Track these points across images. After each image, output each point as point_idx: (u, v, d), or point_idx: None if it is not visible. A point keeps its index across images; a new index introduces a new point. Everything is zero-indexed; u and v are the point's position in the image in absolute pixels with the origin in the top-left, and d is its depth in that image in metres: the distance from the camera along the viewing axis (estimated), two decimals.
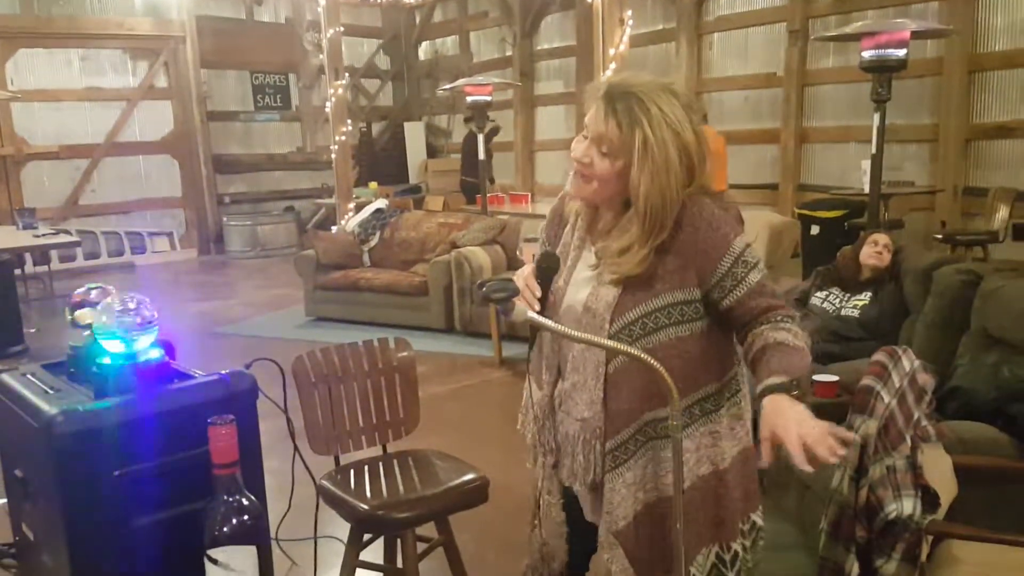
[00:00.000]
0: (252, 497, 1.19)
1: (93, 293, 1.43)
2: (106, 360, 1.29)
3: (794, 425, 1.39)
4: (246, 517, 1.17)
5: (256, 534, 1.18)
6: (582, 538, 1.84)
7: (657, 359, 1.43)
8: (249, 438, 1.29)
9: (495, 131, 10.49)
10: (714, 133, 5.93)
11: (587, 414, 1.68)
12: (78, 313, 1.44)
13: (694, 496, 1.68)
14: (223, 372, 1.31)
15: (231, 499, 1.17)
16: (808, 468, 1.36)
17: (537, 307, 1.60)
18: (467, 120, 10.57)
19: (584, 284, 1.69)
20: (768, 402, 1.47)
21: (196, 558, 1.17)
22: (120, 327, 1.27)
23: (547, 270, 1.63)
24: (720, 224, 1.62)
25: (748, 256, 1.62)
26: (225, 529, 1.16)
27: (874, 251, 3.86)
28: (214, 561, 1.16)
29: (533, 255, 1.78)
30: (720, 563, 1.74)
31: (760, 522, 1.79)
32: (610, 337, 1.60)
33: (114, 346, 1.28)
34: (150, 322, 1.30)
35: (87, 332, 1.35)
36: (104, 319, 1.27)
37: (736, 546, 1.74)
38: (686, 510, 1.60)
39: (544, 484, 1.85)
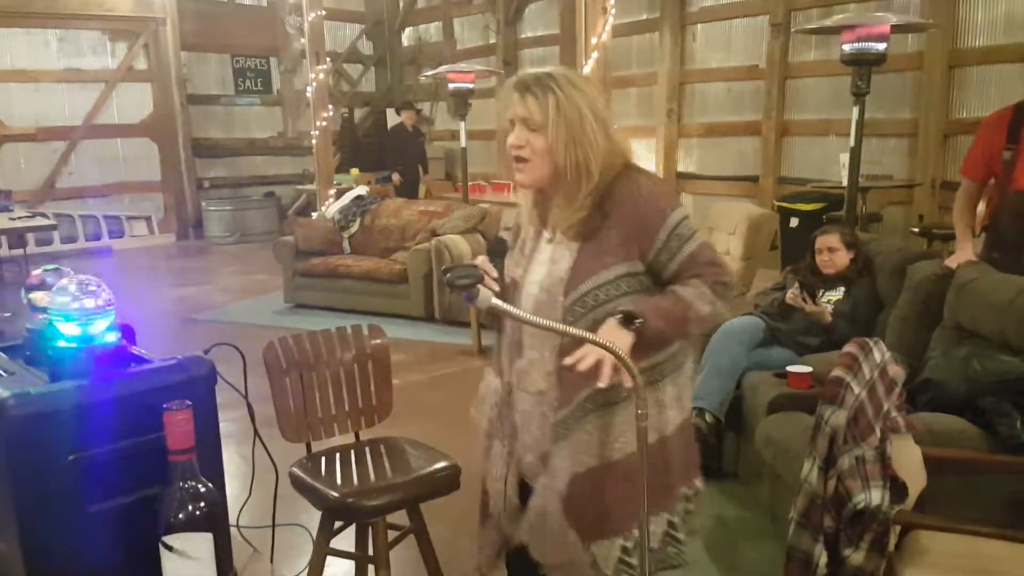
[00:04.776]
0: (209, 484, 1.18)
1: (49, 275, 1.41)
2: (61, 343, 1.27)
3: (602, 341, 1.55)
4: (202, 504, 1.16)
5: (212, 521, 1.17)
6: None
7: None
8: (207, 424, 1.27)
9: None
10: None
11: (543, 386, 1.79)
12: (33, 295, 1.42)
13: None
14: (180, 357, 1.29)
15: (187, 485, 1.15)
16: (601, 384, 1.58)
17: (497, 288, 1.67)
18: (398, 110, 10.38)
19: (541, 266, 1.80)
20: (604, 323, 1.64)
21: (152, 545, 1.16)
22: (75, 310, 1.25)
23: (497, 252, 1.76)
24: (656, 199, 1.73)
25: (682, 229, 1.73)
26: (180, 516, 1.14)
27: (824, 259, 3.81)
28: (169, 548, 1.15)
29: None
30: (670, 527, 1.87)
31: (701, 486, 1.93)
32: (564, 310, 1.72)
33: (69, 329, 1.26)
34: (107, 305, 1.28)
35: (43, 315, 1.33)
36: (59, 301, 1.25)
37: (680, 508, 1.88)
38: (635, 475, 1.69)
39: (500, 472, 1.94)
